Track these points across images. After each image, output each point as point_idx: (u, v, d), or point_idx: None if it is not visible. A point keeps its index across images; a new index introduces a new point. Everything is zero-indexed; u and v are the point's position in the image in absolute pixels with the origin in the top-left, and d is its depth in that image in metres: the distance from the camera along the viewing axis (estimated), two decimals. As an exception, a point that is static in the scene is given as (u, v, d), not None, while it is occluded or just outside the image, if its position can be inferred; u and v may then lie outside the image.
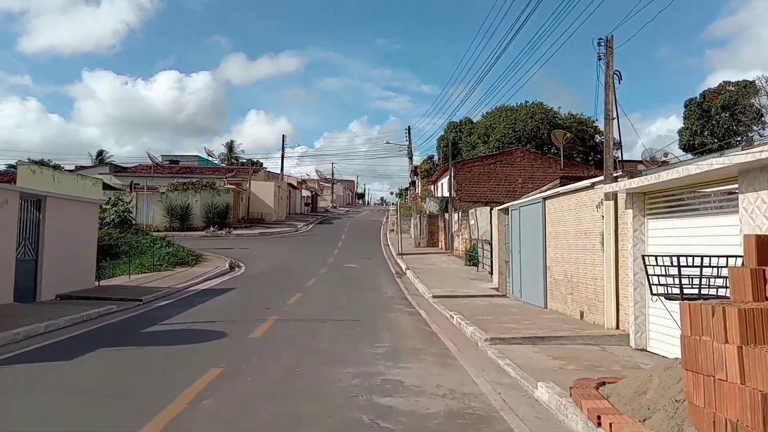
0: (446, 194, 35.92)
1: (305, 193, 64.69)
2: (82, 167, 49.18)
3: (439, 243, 33.13)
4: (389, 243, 35.77)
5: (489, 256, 21.64)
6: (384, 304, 14.01)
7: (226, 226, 38.69)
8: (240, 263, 24.22)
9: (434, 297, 15.02)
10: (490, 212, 22.33)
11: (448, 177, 36.31)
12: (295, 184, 57.92)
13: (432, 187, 44.41)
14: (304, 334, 9.78)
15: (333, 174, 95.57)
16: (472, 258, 23.55)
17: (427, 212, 34.20)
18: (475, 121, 56.97)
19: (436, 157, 66.29)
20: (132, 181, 44.03)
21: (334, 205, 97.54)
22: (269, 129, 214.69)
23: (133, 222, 25.96)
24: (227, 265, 22.54)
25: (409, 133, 32.97)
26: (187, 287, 16.91)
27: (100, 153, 67.94)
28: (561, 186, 12.33)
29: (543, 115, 46.28)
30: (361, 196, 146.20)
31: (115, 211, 24.72)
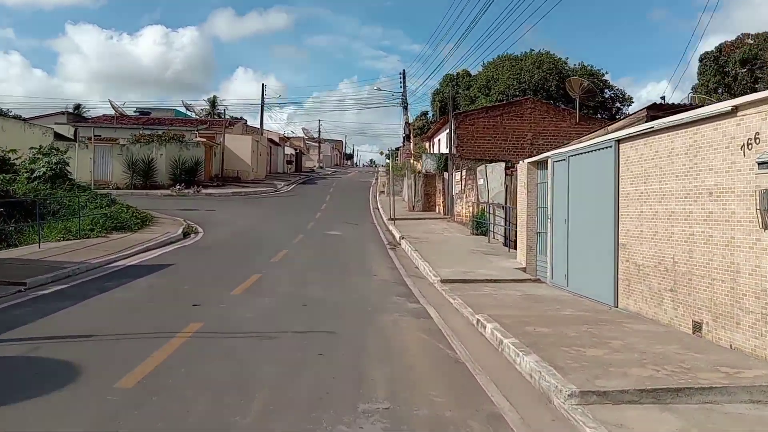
0: (444, 151, 31.53)
1: (289, 151, 59.85)
2: (39, 116, 43.96)
3: (437, 207, 28.91)
4: (379, 206, 31.51)
5: (504, 224, 17.47)
6: (375, 297, 9.76)
7: (195, 184, 34.14)
8: (199, 228, 19.89)
9: (443, 281, 10.84)
10: (506, 170, 18.10)
11: (447, 131, 31.82)
12: (277, 140, 53.07)
13: (427, 144, 39.91)
14: (227, 373, 5.48)
15: (320, 132, 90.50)
16: (480, 226, 19.38)
17: (423, 171, 29.87)
18: (474, 74, 52.27)
19: (430, 114, 61.65)
20: (94, 133, 39.20)
21: (321, 165, 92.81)
22: (258, 87, 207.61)
23: (70, 176, 21.34)
24: (180, 231, 18.19)
25: (404, 79, 28.45)
26: (109, 262, 12.57)
27: (78, 107, 62.09)
28: (649, 121, 7.99)
29: (551, 64, 41.65)
30: (350, 156, 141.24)
31: (47, 162, 20.09)
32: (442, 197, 27.54)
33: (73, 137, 38.20)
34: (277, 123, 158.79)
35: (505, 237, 17.83)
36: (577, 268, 9.74)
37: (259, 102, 52.99)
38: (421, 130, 60.81)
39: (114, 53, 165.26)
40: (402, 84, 28.36)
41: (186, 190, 32.72)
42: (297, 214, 26.44)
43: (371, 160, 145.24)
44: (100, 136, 38.83)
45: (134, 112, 51.65)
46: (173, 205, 26.82)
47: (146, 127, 40.71)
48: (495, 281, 11.05)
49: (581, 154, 9.73)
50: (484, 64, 47.58)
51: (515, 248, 15.98)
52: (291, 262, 13.45)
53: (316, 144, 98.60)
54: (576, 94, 30.64)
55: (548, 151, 12.20)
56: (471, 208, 21.05)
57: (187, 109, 51.60)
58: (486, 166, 19.38)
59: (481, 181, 19.85)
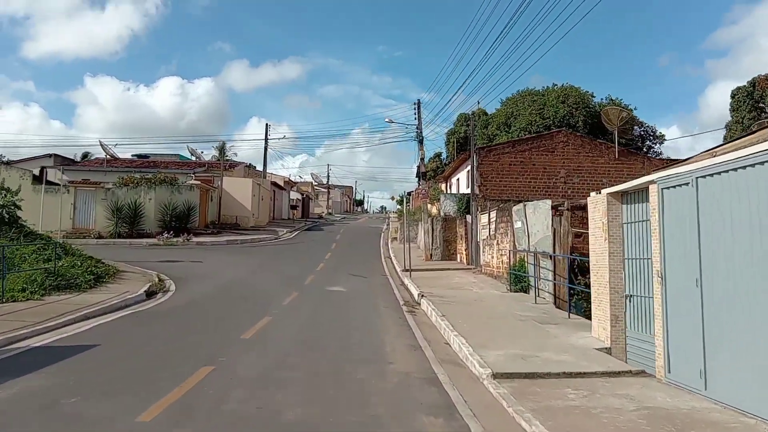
0: (465, 192, 27.87)
1: (295, 195, 56.57)
2: (25, 159, 41.04)
3: (458, 255, 25.03)
4: (392, 255, 27.66)
5: (553, 278, 13.58)
6: (391, 415, 5.83)
7: (185, 231, 30.57)
8: (172, 285, 16.16)
9: (496, 376, 6.94)
10: (553, 210, 14.30)
11: (467, 169, 28.24)
12: (282, 185, 49.84)
13: (444, 185, 36.34)
14: None
15: (329, 177, 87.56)
16: (519, 280, 15.45)
17: (442, 215, 26.13)
18: (491, 113, 49.22)
19: (444, 156, 58.51)
20: (83, 177, 36.16)
21: (330, 211, 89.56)
22: (271, 136, 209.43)
23: (21, 221, 17.80)
24: (142, 290, 14.43)
25: (419, 109, 25.19)
26: (11, 341, 8.79)
27: (86, 155, 59.13)
28: None
29: (577, 98, 38.32)
30: (360, 203, 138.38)
31: (-7, 206, 16.66)
32: (464, 244, 23.68)
33: (59, 182, 35.04)
34: (288, 170, 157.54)
35: (555, 296, 13.92)
36: (731, 363, 5.80)
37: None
38: (435, 173, 57.58)
39: (131, 104, 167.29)
40: (416, 115, 24.93)
41: (175, 239, 29.12)
42: (296, 264, 22.68)
43: (382, 207, 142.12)
44: (88, 179, 35.75)
45: (132, 156, 48.91)
46: (154, 256, 23.23)
47: (139, 171, 37.56)
48: (577, 375, 7.11)
49: (729, 171, 5.92)
50: (502, 100, 44.49)
51: (571, 312, 12.11)
52: (269, 340, 9.56)
53: (326, 190, 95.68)
54: (614, 126, 27.11)
55: (585, 189, 8.52)
56: (505, 258, 17.18)
57: (191, 153, 48.69)
58: (525, 206, 15.60)
59: (518, 224, 16.03)
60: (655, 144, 44.95)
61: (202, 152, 46.83)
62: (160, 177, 32.48)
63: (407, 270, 20.26)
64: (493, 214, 19.10)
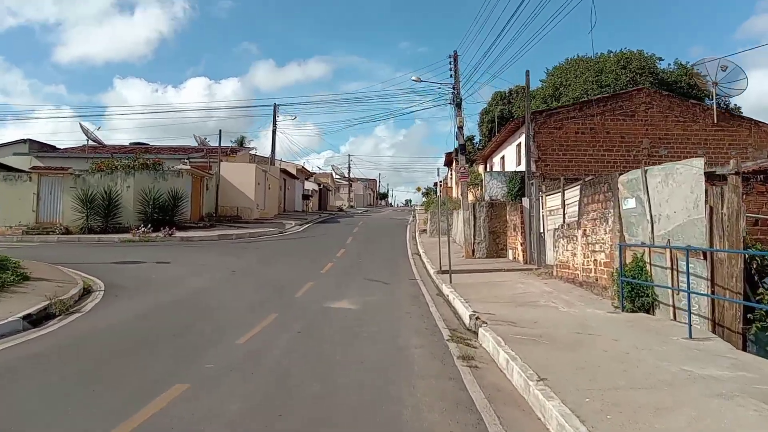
0: (511, 171, 21.80)
1: (311, 186, 51.02)
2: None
3: (509, 251, 19.03)
4: (421, 251, 21.78)
5: (708, 290, 7.67)
6: None
7: (171, 225, 25.15)
8: (97, 300, 10.70)
9: None
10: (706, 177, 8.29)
11: (517, 142, 22.20)
12: (294, 173, 44.19)
13: (482, 167, 30.28)
14: None
15: (350, 167, 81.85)
16: (637, 293, 9.44)
17: (487, 200, 20.14)
18: (534, 88, 42.92)
19: (477, 139, 52.31)
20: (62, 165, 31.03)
21: (352, 204, 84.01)
22: (297, 133, 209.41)
23: None
24: (24, 313, 8.87)
25: (455, 65, 18.92)
26: None
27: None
28: None
29: (642, 63, 31.80)
30: (384, 196, 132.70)
31: None
32: (520, 236, 17.67)
33: (28, 170, 29.94)
34: (311, 166, 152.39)
35: (713, 320, 7.99)
36: None
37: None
38: (467, 158, 51.33)
39: (159, 105, 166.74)
40: (452, 71, 18.89)
41: (154, 234, 23.69)
42: (295, 265, 17.01)
43: (407, 200, 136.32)
44: (70, 168, 30.59)
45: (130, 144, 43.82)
46: (114, 256, 17.91)
47: (125, 157, 32.27)
48: None
49: None
50: (547, 71, 38.15)
51: (748, 348, 6.24)
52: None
53: (347, 182, 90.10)
54: (710, 83, 20.75)
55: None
56: (601, 256, 11.16)
57: (197, 141, 43.24)
58: (646, 173, 9.55)
59: (629, 203, 9.99)
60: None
61: (207, 139, 41.34)
62: (140, 161, 27.08)
63: (444, 272, 14.42)
64: (574, 193, 13.05)
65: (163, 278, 13.86)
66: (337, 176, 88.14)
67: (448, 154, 57.60)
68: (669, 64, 33.95)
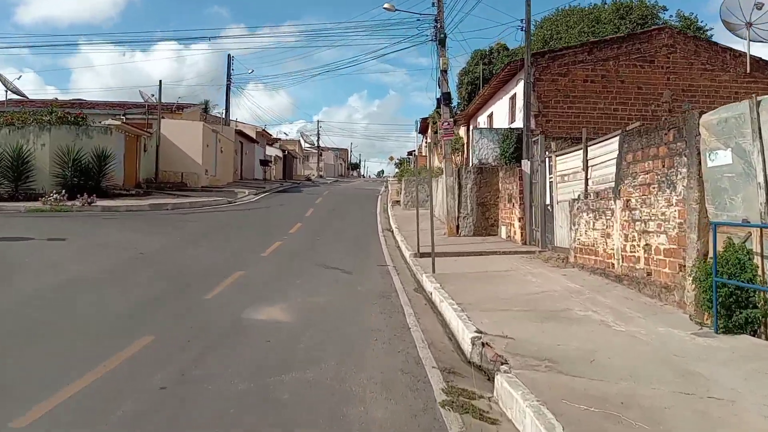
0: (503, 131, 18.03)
1: (274, 152, 46.59)
2: None
3: (501, 227, 15.42)
4: (393, 227, 18.05)
5: None
6: None
7: (95, 191, 20.88)
8: None
9: None
10: None
11: (511, 94, 18.47)
12: (253, 136, 39.70)
13: (464, 130, 26.47)
14: None
15: (319, 135, 77.26)
16: (738, 303, 5.89)
17: (475, 162, 16.37)
18: (513, 48, 39.12)
19: (456, 102, 48.40)
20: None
21: (321, 174, 79.79)
22: (269, 102, 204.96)
23: None
24: None
25: (439, -5, 14.73)
26: None
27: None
28: None
29: (644, 12, 28.20)
30: (356, 166, 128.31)
31: None
32: (517, 209, 14.02)
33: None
34: (285, 136, 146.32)
35: None
36: None
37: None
38: (450, 113, 47.33)
39: (126, 69, 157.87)
40: (434, 1, 14.82)
41: (69, 202, 19.41)
42: (228, 246, 13.12)
43: (380, 172, 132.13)
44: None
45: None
46: (3, 230, 13.72)
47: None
48: None
49: None
50: (535, 23, 34.29)
51: None
52: None
53: (316, 151, 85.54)
54: (743, 25, 17.16)
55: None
56: (659, 240, 7.54)
57: (142, 97, 38.13)
58: (759, 107, 5.89)
59: (722, 157, 6.34)
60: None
61: (154, 96, 36.44)
62: (57, 114, 22.56)
63: (424, 254, 10.78)
64: (608, 148, 9.34)
65: (38, 262, 9.87)
66: (308, 145, 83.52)
67: (424, 120, 53.35)
68: (671, 16, 30.43)
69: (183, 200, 22.49)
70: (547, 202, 12.70)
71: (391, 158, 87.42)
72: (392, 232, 17.54)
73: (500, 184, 15.46)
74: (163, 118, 28.15)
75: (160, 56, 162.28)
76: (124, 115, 28.22)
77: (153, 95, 34.93)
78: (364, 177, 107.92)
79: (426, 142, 59.23)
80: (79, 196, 19.72)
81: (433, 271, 9.92)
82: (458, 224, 15.69)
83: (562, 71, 16.29)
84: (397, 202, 24.69)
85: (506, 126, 18.19)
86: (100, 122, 23.83)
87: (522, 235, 13.76)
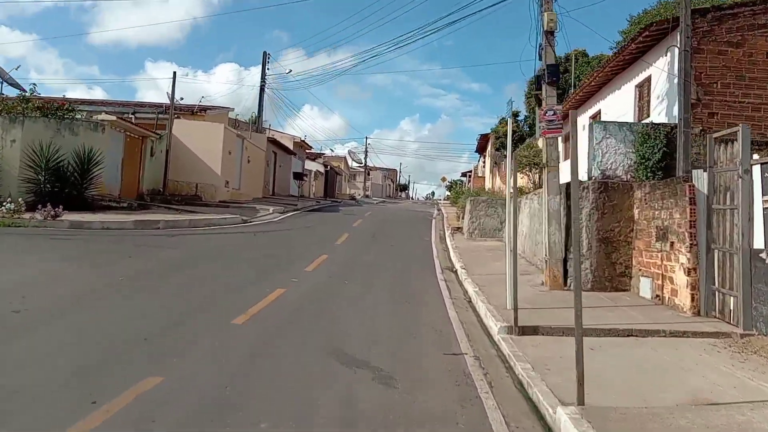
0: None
1: (313, 166, 41.73)
2: None
3: (641, 280, 9.55)
4: (458, 264, 12.32)
5: None
6: None
7: (72, 200, 16.24)
8: None
9: None
10: None
11: (638, 80, 12.61)
12: (290, 146, 34.85)
13: (543, 140, 20.66)
14: None
15: (366, 152, 72.41)
16: None
17: (596, 176, 10.53)
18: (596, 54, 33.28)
19: (522, 115, 42.65)
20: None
21: (368, 194, 74.93)
22: (323, 123, 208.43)
23: None
24: None
25: None
26: None
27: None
28: None
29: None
30: (404, 187, 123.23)
31: None
32: (684, 253, 8.16)
33: None
34: (338, 162, 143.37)
35: None
36: None
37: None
38: (558, 98, 41.47)
39: (188, 89, 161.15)
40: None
41: (28, 214, 14.70)
42: (193, 296, 7.83)
43: (430, 194, 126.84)
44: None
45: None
46: None
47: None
48: None
49: None
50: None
51: None
52: None
53: (363, 170, 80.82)
54: None
55: None
56: None
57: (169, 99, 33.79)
58: None
59: None
60: None
61: (183, 99, 32.15)
62: (32, 104, 18.15)
63: (524, 329, 5.16)
64: None
65: None
66: (356, 164, 78.98)
67: (484, 137, 47.90)
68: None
69: (185, 217, 17.53)
70: (758, 245, 6.89)
71: (444, 179, 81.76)
72: (456, 273, 11.98)
73: (638, 210, 9.67)
74: (177, 118, 23.52)
75: (221, 78, 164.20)
76: (133, 114, 23.78)
77: (182, 99, 30.54)
78: (412, 199, 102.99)
79: (483, 162, 53.42)
80: (40, 207, 14.97)
81: (580, 402, 4.31)
82: (565, 271, 9.94)
83: (733, 39, 10.48)
84: (458, 228, 19.05)
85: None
86: (91, 116, 19.28)
87: (693, 300, 7.91)
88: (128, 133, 20.40)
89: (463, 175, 70.26)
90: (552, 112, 9.93)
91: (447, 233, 18.58)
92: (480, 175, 50.53)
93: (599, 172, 10.17)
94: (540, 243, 11.32)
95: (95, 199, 17.99)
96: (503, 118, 43.93)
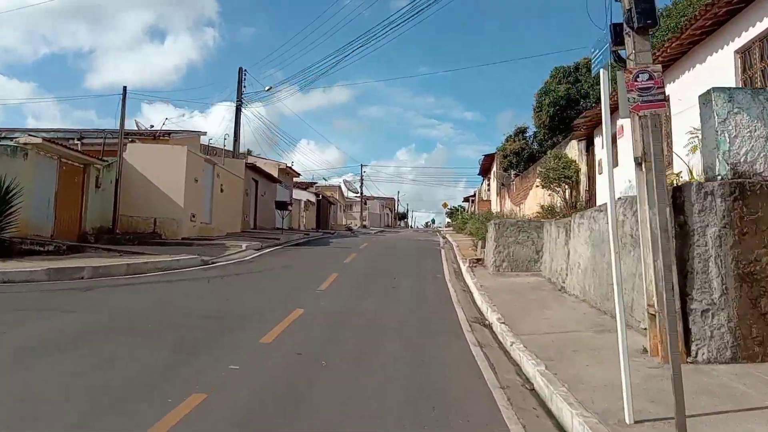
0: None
1: (303, 195, 37.93)
2: None
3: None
4: (490, 317, 8.26)
5: None
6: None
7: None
8: None
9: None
10: None
11: (735, 45, 8.65)
12: (274, 173, 30.95)
13: (574, 149, 16.95)
14: None
15: (362, 180, 68.78)
16: None
17: (723, 173, 6.65)
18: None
19: (531, 131, 39.18)
20: None
21: (365, 223, 71.14)
22: (319, 157, 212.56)
23: None
24: None
25: None
26: None
27: None
28: None
29: None
30: (403, 216, 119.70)
31: None
32: None
33: None
34: (331, 191, 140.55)
35: None
36: None
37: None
38: (515, 160, 37.86)
39: (185, 128, 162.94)
40: None
41: None
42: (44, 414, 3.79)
43: (429, 221, 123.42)
44: None
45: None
46: None
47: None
48: None
49: None
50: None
51: None
52: None
53: (360, 199, 77.24)
54: None
55: None
56: None
57: (137, 126, 29.91)
58: None
59: None
60: None
61: (153, 127, 28.42)
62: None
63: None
64: None
65: None
66: (352, 194, 75.45)
67: (488, 157, 44.30)
68: None
69: (124, 261, 13.54)
70: None
71: (445, 204, 78.03)
72: (490, 328, 8.05)
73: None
74: (132, 142, 19.74)
75: (217, 117, 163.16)
76: (80, 140, 20.00)
77: (152, 126, 26.94)
78: (411, 227, 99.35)
79: (488, 186, 49.73)
80: None
81: None
82: (688, 327, 5.98)
83: None
84: (478, 261, 15.07)
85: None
86: (11, 139, 15.47)
87: None
88: (64, 160, 16.61)
89: (465, 200, 66.60)
90: (647, 76, 6.05)
91: (464, 267, 14.61)
92: (485, 198, 46.86)
93: (727, 167, 6.31)
94: (609, 282, 7.41)
95: (13, 242, 14.09)
96: (510, 136, 40.43)
